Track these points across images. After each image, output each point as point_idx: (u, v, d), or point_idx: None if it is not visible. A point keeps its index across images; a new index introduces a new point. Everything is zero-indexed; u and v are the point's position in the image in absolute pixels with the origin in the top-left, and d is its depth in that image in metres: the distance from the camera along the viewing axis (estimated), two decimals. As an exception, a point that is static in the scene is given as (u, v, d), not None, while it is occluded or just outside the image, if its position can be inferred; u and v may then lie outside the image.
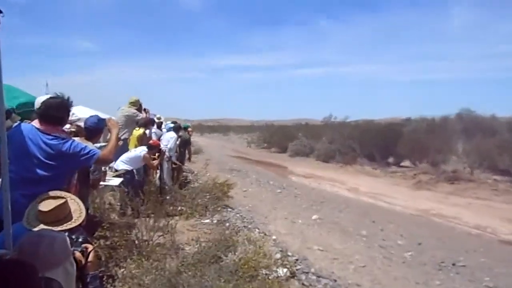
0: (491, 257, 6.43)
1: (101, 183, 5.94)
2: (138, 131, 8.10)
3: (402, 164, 19.04)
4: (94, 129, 4.03)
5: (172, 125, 10.42)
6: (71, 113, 3.21)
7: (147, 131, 8.73)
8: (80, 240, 2.46)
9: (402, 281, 5.39)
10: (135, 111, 7.71)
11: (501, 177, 13.97)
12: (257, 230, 6.98)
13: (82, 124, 4.74)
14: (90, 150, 2.98)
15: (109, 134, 3.49)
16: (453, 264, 6.03)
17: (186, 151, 11.49)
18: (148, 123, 8.41)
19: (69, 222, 2.50)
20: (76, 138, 3.44)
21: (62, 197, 2.55)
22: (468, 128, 17.41)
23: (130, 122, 7.69)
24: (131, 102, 7.83)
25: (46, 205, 2.45)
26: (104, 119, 3.84)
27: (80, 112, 9.10)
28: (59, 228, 2.38)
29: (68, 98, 3.03)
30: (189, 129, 12.89)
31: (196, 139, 32.00)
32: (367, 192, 12.72)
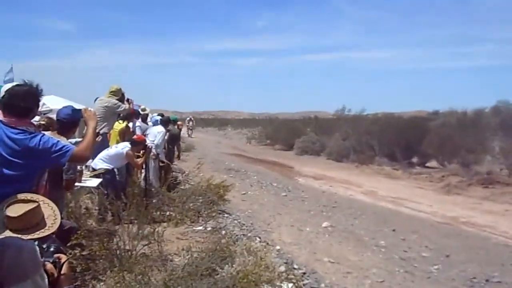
0: (531, 272, 6.42)
1: (77, 184, 5.95)
2: (120, 125, 8.12)
3: (428, 164, 19.03)
4: (68, 121, 4.04)
5: (158, 117, 10.45)
6: (41, 104, 3.21)
7: (130, 125, 8.75)
8: (52, 249, 2.46)
9: (427, 299, 5.41)
10: (117, 101, 7.72)
11: (544, 180, 13.95)
12: (258, 239, 7.00)
13: (54, 116, 4.75)
14: (63, 146, 2.97)
15: (85, 128, 3.49)
16: (487, 280, 6.03)
17: (175, 148, 11.51)
18: (131, 115, 8.43)
19: (42, 230, 2.50)
20: (46, 133, 3.44)
21: (34, 201, 2.54)
22: (506, 123, 17.35)
23: (111, 114, 7.70)
24: (111, 92, 7.84)
25: (15, 210, 2.44)
26: (79, 110, 3.85)
27: (52, 103, 9.19)
28: (29, 237, 2.38)
29: (37, 86, 3.03)
30: (179, 122, 12.91)
31: (185, 133, 32.05)
32: (387, 196, 12.72)
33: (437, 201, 12.24)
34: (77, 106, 5.94)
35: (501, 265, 6.71)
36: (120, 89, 7.99)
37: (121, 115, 8.03)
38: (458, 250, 7.41)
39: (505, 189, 13.06)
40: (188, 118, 39.44)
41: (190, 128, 37.33)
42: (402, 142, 19.47)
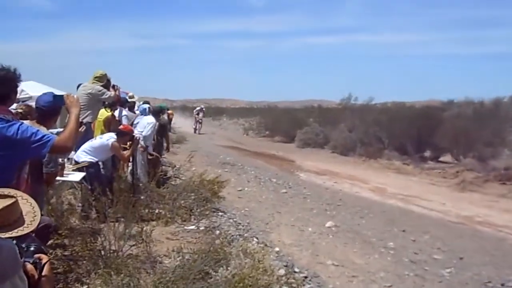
0: (551, 276, 6.48)
1: (58, 178, 5.97)
2: (106, 113, 8.11)
3: (441, 159, 19.10)
4: (48, 109, 4.03)
5: (146, 106, 10.41)
6: (19, 90, 3.22)
7: (116, 113, 8.74)
8: (32, 249, 2.47)
9: (438, 305, 5.46)
10: (101, 88, 7.71)
11: None
12: (255, 239, 7.03)
13: (33, 104, 4.75)
14: (43, 136, 2.97)
15: (67, 116, 3.49)
16: (502, 285, 6.10)
17: (164, 139, 11.50)
18: (117, 103, 8.41)
19: (21, 228, 2.51)
20: (25, 122, 3.45)
21: (12, 196, 2.55)
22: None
23: (95, 102, 7.69)
24: (96, 77, 7.83)
25: None
26: (61, 96, 3.84)
27: (31, 89, 9.19)
28: (7, 235, 2.39)
29: (15, 71, 3.03)
30: (169, 111, 12.90)
31: (179, 124, 32.03)
32: (396, 193, 12.78)
33: (451, 198, 12.30)
34: (59, 92, 5.93)
35: (518, 269, 6.77)
36: (106, 74, 7.97)
37: (106, 103, 8.02)
38: (472, 252, 7.48)
39: (525, 186, 13.13)
40: (198, 108, 34.11)
41: (199, 121, 32.51)
42: (414, 134, 19.50)
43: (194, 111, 34.27)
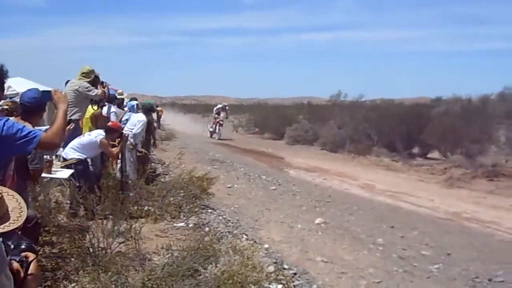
0: (537, 271, 6.55)
1: (46, 175, 5.93)
2: (92, 110, 8.07)
3: (429, 155, 19.20)
4: (33, 105, 3.99)
5: (134, 102, 10.35)
6: (6, 86, 3.18)
7: (105, 110, 8.69)
8: (22, 247, 2.45)
9: (426, 301, 5.50)
10: (88, 85, 7.66)
11: (552, 172, 14.14)
12: (244, 236, 7.05)
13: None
14: (29, 132, 2.94)
15: (55, 113, 3.46)
16: (490, 280, 6.15)
17: (151, 136, 11.44)
18: (104, 99, 8.35)
19: (7, 224, 2.48)
20: (10, 118, 3.41)
21: (-3, 192, 2.53)
22: (513, 111, 17.52)
23: (82, 99, 7.65)
24: (83, 73, 7.77)
25: None
26: (48, 92, 3.80)
27: (18, 86, 9.12)
28: (-7, 231, 2.37)
29: (2, 67, 3.00)
30: (158, 108, 12.84)
31: (168, 121, 31.89)
32: (385, 190, 12.84)
33: (439, 195, 12.38)
34: (46, 89, 5.88)
35: (505, 264, 6.83)
36: (93, 70, 7.92)
37: (94, 100, 7.97)
38: (460, 248, 7.53)
39: (511, 182, 13.24)
40: (220, 106, 27.66)
41: (220, 122, 26.43)
42: (402, 131, 19.58)
43: (214, 109, 27.60)
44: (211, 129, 26.82)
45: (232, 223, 7.82)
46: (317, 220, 8.74)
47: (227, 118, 28.62)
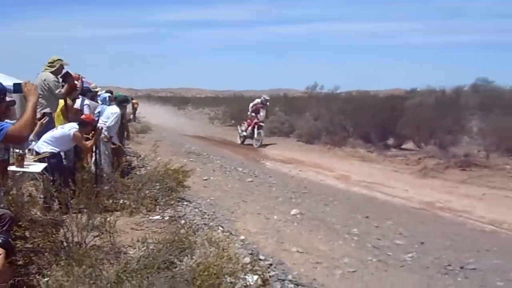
0: (507, 258, 6.72)
1: (19, 169, 5.85)
2: (61, 103, 7.96)
3: (404, 146, 19.44)
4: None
5: (106, 95, 10.25)
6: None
7: (78, 102, 8.59)
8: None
9: (400, 289, 5.61)
10: (56, 80, 7.54)
11: (522, 162, 14.46)
12: (220, 228, 7.06)
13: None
14: None
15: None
16: (461, 267, 6.30)
17: (124, 128, 11.35)
18: (72, 91, 8.19)
19: None
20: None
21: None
22: (485, 102, 17.84)
23: (51, 92, 7.54)
24: (48, 63, 7.63)
25: None
26: (19, 84, 3.74)
27: (-12, 77, 8.89)
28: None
29: None
30: (134, 101, 12.73)
31: (144, 114, 31.63)
32: (360, 180, 13.00)
33: (413, 185, 12.58)
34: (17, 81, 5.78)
35: (476, 252, 7.01)
36: (59, 59, 7.74)
37: (61, 92, 7.84)
38: (433, 237, 7.69)
39: (483, 172, 13.51)
40: (259, 100, 21.28)
41: (259, 124, 20.15)
42: (377, 122, 19.75)
43: (251, 105, 21.06)
44: (244, 133, 20.91)
45: (208, 215, 7.84)
46: (293, 211, 8.81)
47: (267, 118, 22.07)
